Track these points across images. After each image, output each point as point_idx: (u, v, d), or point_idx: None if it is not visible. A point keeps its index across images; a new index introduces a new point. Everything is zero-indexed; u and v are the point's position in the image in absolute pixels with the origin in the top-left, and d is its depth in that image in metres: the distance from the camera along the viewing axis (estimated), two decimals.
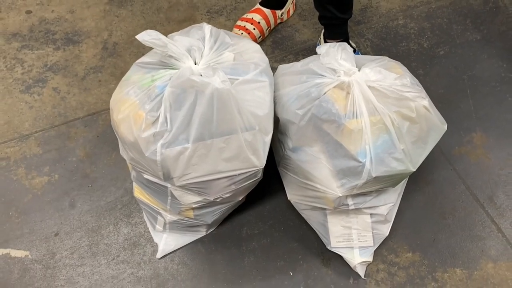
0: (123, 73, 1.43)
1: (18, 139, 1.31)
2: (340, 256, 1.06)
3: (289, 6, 1.54)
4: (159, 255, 1.09)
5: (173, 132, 0.82)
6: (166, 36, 0.92)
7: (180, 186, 0.91)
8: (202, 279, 1.07)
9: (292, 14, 1.58)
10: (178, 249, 1.11)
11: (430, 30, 1.53)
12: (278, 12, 1.51)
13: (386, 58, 0.96)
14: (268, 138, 0.89)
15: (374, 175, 0.85)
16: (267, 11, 1.49)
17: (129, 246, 1.12)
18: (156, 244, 1.11)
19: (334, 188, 0.90)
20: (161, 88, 0.84)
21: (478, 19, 1.56)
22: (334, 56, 0.88)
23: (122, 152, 0.97)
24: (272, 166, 1.10)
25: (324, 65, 0.90)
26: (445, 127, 0.93)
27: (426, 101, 0.88)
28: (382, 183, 0.90)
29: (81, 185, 1.22)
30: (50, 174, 1.24)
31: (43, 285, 1.07)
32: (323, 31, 1.40)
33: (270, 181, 1.17)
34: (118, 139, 0.95)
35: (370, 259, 1.05)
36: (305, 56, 1.47)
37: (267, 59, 0.93)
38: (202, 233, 1.11)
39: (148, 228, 1.13)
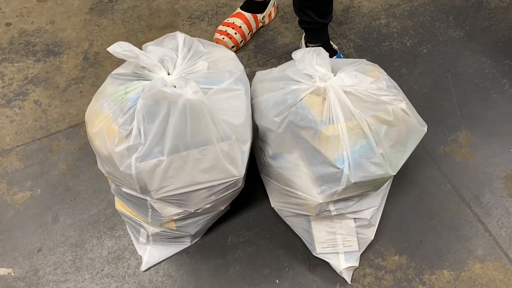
0: None
1: None
2: (327, 262, 1.05)
3: (270, 9, 1.53)
4: (143, 267, 1.08)
5: (147, 145, 0.81)
6: (141, 46, 0.91)
7: (158, 199, 0.90)
8: None
9: (274, 17, 1.57)
10: (163, 260, 1.09)
11: (412, 29, 1.52)
12: (260, 16, 1.50)
13: (364, 61, 0.95)
14: (246, 147, 0.87)
15: (353, 181, 0.84)
16: (248, 15, 1.48)
17: (113, 260, 1.10)
18: (140, 256, 1.09)
19: (314, 195, 0.89)
20: (133, 100, 0.83)
21: (461, 15, 1.55)
22: (310, 61, 0.87)
23: (100, 165, 0.95)
24: (256, 173, 1.09)
25: (300, 71, 0.89)
26: (425, 129, 0.92)
27: (403, 104, 0.87)
28: (363, 188, 0.89)
29: (63, 199, 1.20)
30: (32, 188, 1.22)
31: None
32: (304, 34, 1.39)
33: (254, 188, 1.15)
34: (95, 152, 0.93)
35: (356, 264, 1.04)
36: (287, 59, 1.46)
37: (242, 66, 0.92)
38: (186, 243, 1.10)
39: (131, 241, 1.12)
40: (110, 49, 0.84)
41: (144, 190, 0.87)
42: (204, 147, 0.83)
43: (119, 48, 0.83)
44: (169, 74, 0.86)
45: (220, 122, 0.82)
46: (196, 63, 0.88)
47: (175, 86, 0.84)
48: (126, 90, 0.86)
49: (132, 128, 0.81)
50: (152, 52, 0.88)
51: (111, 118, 0.83)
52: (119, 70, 0.93)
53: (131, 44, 0.85)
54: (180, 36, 0.91)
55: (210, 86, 0.85)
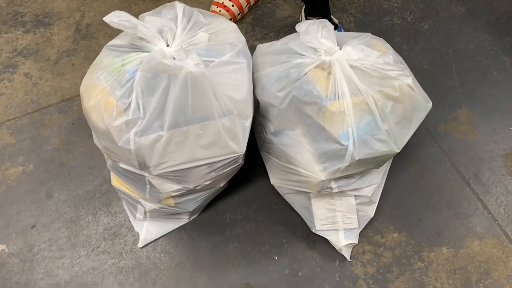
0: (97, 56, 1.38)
1: None
2: (326, 239, 1.04)
3: None
4: (140, 244, 1.06)
5: (146, 119, 0.78)
6: (137, 17, 0.87)
7: (157, 175, 0.87)
8: (185, 267, 1.04)
9: None
10: (160, 237, 1.08)
11: (414, 4, 1.49)
12: None
13: (369, 34, 0.92)
14: (247, 123, 0.85)
15: (357, 158, 0.82)
16: None
17: (110, 236, 1.08)
18: (137, 233, 1.08)
19: (316, 172, 0.88)
20: (131, 72, 0.79)
21: None
22: (315, 34, 0.84)
23: (96, 140, 0.92)
24: (255, 149, 1.07)
25: (304, 44, 0.86)
26: (430, 105, 0.90)
27: (410, 79, 0.84)
28: (366, 165, 0.88)
29: (57, 174, 1.17)
30: (24, 164, 1.19)
31: (22, 279, 1.03)
32: (303, 7, 1.35)
33: (253, 165, 1.14)
34: (91, 127, 0.90)
35: (356, 241, 1.04)
36: (286, 33, 1.43)
37: (244, 38, 0.88)
38: (184, 220, 1.09)
39: (128, 217, 1.10)
40: (107, 18, 0.80)
41: (143, 166, 0.84)
42: (205, 122, 0.80)
43: (116, 18, 0.80)
44: (168, 46, 0.83)
45: (222, 97, 0.80)
46: (196, 35, 0.84)
47: (174, 58, 0.80)
48: (123, 62, 0.82)
49: (130, 102, 0.78)
50: (150, 22, 0.85)
51: (108, 91, 0.80)
52: (115, 41, 0.90)
53: (128, 14, 0.81)
54: (179, 6, 0.87)
55: (211, 58, 0.82)
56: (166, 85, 0.77)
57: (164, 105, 0.78)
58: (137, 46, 0.84)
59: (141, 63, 0.79)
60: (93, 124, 0.84)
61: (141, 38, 0.83)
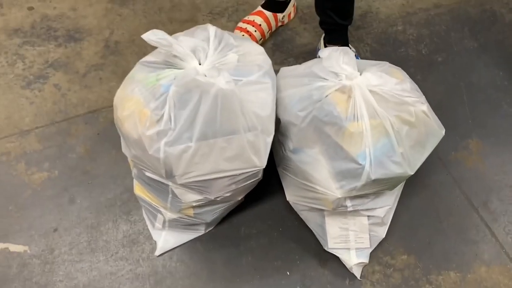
0: (124, 72, 1.45)
1: (18, 134, 1.31)
2: (337, 257, 1.08)
3: (290, 9, 1.56)
4: (157, 252, 1.10)
5: (177, 130, 0.83)
6: (172, 35, 0.94)
7: (181, 184, 0.92)
8: (200, 277, 1.08)
9: (293, 18, 1.60)
10: (177, 247, 1.12)
11: (428, 37, 1.55)
12: (280, 15, 1.53)
13: (387, 63, 0.98)
14: (269, 139, 0.90)
15: (373, 178, 0.87)
16: (268, 13, 1.51)
17: (128, 243, 1.12)
18: (155, 241, 1.12)
19: (333, 189, 0.92)
20: (166, 87, 0.85)
21: (476, 27, 1.58)
22: (337, 60, 0.90)
23: (124, 149, 0.98)
24: (271, 167, 1.11)
25: (326, 69, 0.92)
26: (443, 132, 0.95)
27: (425, 106, 0.89)
28: (381, 186, 0.92)
29: (81, 181, 1.22)
30: (50, 170, 1.24)
31: (42, 280, 1.07)
32: (323, 35, 1.42)
33: (269, 182, 1.17)
34: (121, 136, 0.96)
35: (366, 260, 1.07)
36: (305, 59, 1.48)
37: (270, 61, 0.94)
38: (200, 231, 1.12)
39: (147, 225, 1.14)
40: (145, 36, 0.86)
41: (169, 174, 0.89)
42: (231, 136, 0.85)
43: (153, 36, 0.86)
44: (200, 64, 0.89)
45: (248, 113, 0.85)
46: (227, 55, 0.90)
47: (205, 76, 0.86)
48: (157, 77, 0.88)
49: (163, 114, 0.84)
50: (184, 42, 0.91)
51: (143, 103, 0.85)
52: (148, 58, 0.96)
53: (165, 33, 0.87)
54: (211, 28, 0.93)
55: (239, 77, 0.88)
56: (198, 100, 0.83)
57: (194, 118, 0.84)
58: (171, 63, 0.90)
59: (175, 78, 0.85)
60: (125, 133, 0.90)
61: (175, 56, 0.89)
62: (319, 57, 1.36)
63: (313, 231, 1.09)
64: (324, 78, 0.91)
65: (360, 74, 0.91)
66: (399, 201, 1.11)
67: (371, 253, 1.09)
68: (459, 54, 1.51)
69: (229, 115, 0.83)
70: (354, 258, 1.05)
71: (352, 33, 1.55)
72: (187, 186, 0.93)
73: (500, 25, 1.59)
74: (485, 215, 1.17)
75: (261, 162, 0.90)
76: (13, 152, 1.27)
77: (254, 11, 1.53)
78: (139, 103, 0.86)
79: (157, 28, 1.55)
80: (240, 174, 0.91)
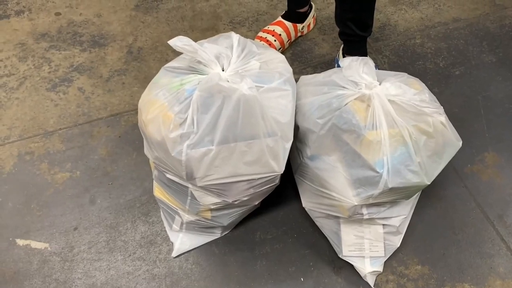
0: (146, 77, 1.49)
1: (42, 135, 1.35)
2: (351, 265, 1.09)
3: (310, 20, 1.59)
4: (174, 254, 1.12)
5: (199, 134, 0.86)
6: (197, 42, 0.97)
7: (201, 187, 0.94)
8: (215, 279, 1.10)
9: (312, 28, 1.63)
10: (193, 249, 1.14)
11: (446, 50, 1.56)
12: (299, 26, 1.56)
13: (405, 74, 1.00)
14: (288, 145, 0.92)
15: (390, 186, 0.88)
16: (288, 24, 1.54)
17: (146, 244, 1.15)
18: (172, 243, 1.14)
19: (350, 196, 0.93)
20: (190, 91, 0.88)
21: (494, 42, 1.59)
22: (357, 69, 0.92)
23: (147, 151, 1.00)
24: (288, 173, 1.13)
25: (346, 78, 0.94)
26: (460, 143, 0.96)
27: (443, 117, 0.91)
28: (397, 195, 0.93)
29: (101, 182, 1.25)
30: (72, 170, 1.28)
31: (61, 277, 1.10)
32: (342, 46, 1.44)
33: (285, 188, 1.19)
34: (144, 138, 0.98)
35: (381, 269, 1.08)
36: (323, 69, 1.52)
37: (291, 69, 0.97)
38: (217, 235, 1.14)
39: (164, 227, 1.17)
40: (171, 42, 0.89)
41: (190, 176, 0.92)
42: (251, 140, 0.88)
43: (179, 42, 0.89)
44: (223, 70, 0.92)
45: (269, 119, 0.87)
46: (249, 62, 0.93)
47: (228, 81, 0.89)
48: (182, 82, 0.91)
49: (186, 117, 0.86)
50: (208, 48, 0.94)
51: (167, 107, 0.88)
52: (172, 63, 0.99)
53: (190, 39, 0.90)
54: (235, 36, 0.96)
55: (261, 84, 0.90)
56: (220, 105, 0.85)
57: (216, 122, 0.86)
58: (195, 68, 0.93)
59: (199, 83, 0.88)
60: (148, 136, 0.93)
61: (199, 62, 0.92)
62: (337, 66, 1.39)
63: (328, 238, 1.11)
64: (344, 87, 0.93)
65: (380, 84, 0.92)
66: (414, 212, 1.12)
67: (385, 262, 1.09)
68: (477, 68, 1.51)
69: (250, 120, 0.86)
70: (368, 267, 1.06)
71: (371, 44, 1.58)
72: (206, 188, 0.95)
73: None
74: (500, 228, 1.17)
75: (280, 167, 0.92)
76: (36, 152, 1.31)
77: (275, 21, 1.56)
78: (163, 107, 0.89)
79: (179, 35, 1.61)
80: (258, 179, 0.93)
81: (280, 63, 0.96)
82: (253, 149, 0.88)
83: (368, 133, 0.87)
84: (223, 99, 0.86)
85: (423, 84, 0.98)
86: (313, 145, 0.97)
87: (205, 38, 1.50)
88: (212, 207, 1.01)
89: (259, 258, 1.13)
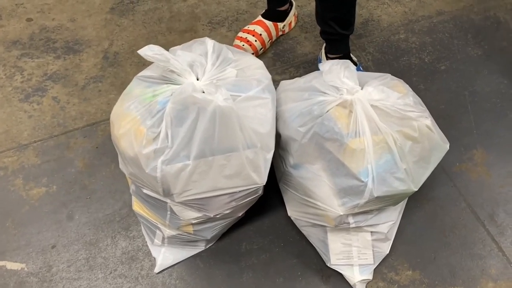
0: (123, 83, 1.43)
1: (16, 148, 1.30)
2: (340, 274, 1.05)
3: (291, 18, 1.54)
4: (157, 269, 1.08)
5: (174, 148, 0.82)
6: (168, 48, 0.92)
7: (180, 202, 0.90)
8: None
9: (294, 27, 1.58)
10: (176, 263, 1.09)
11: (431, 45, 1.53)
12: (280, 24, 1.51)
13: (389, 75, 0.96)
14: (269, 155, 0.88)
15: (376, 195, 0.84)
16: (268, 23, 1.49)
17: (127, 260, 1.10)
18: (154, 258, 1.10)
19: (335, 206, 0.90)
20: (162, 103, 0.83)
21: (479, 34, 1.56)
22: (337, 74, 0.88)
23: (122, 166, 0.96)
24: (272, 180, 1.09)
25: (327, 83, 0.90)
26: (447, 146, 0.93)
27: (428, 121, 0.87)
28: (384, 202, 0.90)
29: (79, 196, 1.20)
30: (48, 185, 1.23)
31: None
32: (324, 45, 1.40)
33: (270, 196, 1.16)
34: (118, 153, 0.94)
35: (370, 277, 1.05)
36: (306, 68, 1.47)
37: (269, 75, 0.93)
38: (200, 247, 1.10)
39: (146, 242, 1.12)
40: (141, 51, 0.85)
41: (167, 193, 0.87)
42: (229, 153, 0.84)
43: (149, 51, 0.84)
44: (198, 79, 0.87)
45: (247, 130, 0.83)
46: (225, 70, 0.89)
47: (203, 92, 0.85)
48: (154, 93, 0.87)
49: (160, 131, 0.82)
50: (181, 56, 0.89)
51: (139, 120, 0.84)
52: (145, 72, 0.94)
53: (161, 48, 0.85)
54: (209, 42, 0.92)
55: (238, 93, 0.86)
56: (195, 117, 0.81)
57: (191, 136, 0.82)
58: (168, 78, 0.88)
59: (172, 95, 0.83)
60: (121, 151, 0.88)
61: (172, 71, 0.87)
62: (320, 64, 1.35)
63: (315, 246, 1.07)
64: (325, 93, 0.89)
65: (362, 88, 0.88)
66: (403, 215, 1.09)
67: (375, 269, 1.06)
68: (463, 62, 1.48)
69: (227, 133, 0.81)
70: (358, 275, 1.03)
71: (354, 41, 1.54)
72: (185, 204, 0.91)
73: (504, 31, 1.57)
74: (491, 228, 1.14)
75: (261, 179, 0.88)
76: (10, 167, 1.26)
77: (254, 20, 1.52)
78: (135, 121, 0.84)
79: (156, 38, 1.56)
80: (239, 192, 0.89)
81: (257, 70, 0.92)
82: (232, 162, 0.84)
83: (351, 141, 0.83)
84: (198, 111, 0.81)
85: (407, 86, 0.94)
86: (295, 154, 0.93)
87: (183, 40, 1.46)
88: (193, 221, 0.97)
89: (245, 270, 1.09)
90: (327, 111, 0.87)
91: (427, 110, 0.90)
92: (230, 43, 1.51)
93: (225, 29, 1.58)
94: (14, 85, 1.44)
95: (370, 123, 0.84)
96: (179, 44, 0.97)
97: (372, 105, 0.85)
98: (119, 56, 1.51)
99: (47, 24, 1.60)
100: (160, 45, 0.86)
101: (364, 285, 1.05)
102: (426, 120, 0.87)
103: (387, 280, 1.07)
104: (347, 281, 1.05)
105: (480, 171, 1.24)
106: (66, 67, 1.49)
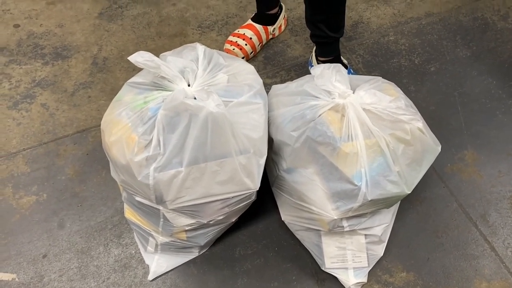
0: (113, 89, 1.42)
1: (5, 157, 1.28)
2: (335, 277, 1.05)
3: (280, 21, 1.54)
4: (150, 277, 1.07)
5: (166, 155, 0.81)
6: (158, 53, 0.92)
7: (173, 209, 0.89)
8: None
9: (284, 30, 1.58)
10: (170, 270, 1.08)
11: (420, 47, 1.54)
12: (270, 28, 1.51)
13: (380, 78, 0.96)
14: (262, 161, 0.88)
15: (370, 198, 0.84)
16: (258, 26, 1.49)
17: (120, 268, 1.09)
18: (148, 265, 1.09)
19: (329, 210, 0.90)
20: (154, 110, 0.83)
21: (468, 35, 1.57)
22: (329, 78, 0.88)
23: (113, 174, 0.95)
24: (265, 185, 1.09)
25: (319, 87, 0.90)
26: (439, 148, 0.93)
27: (420, 123, 0.87)
28: (378, 205, 0.90)
29: (70, 204, 1.19)
30: (38, 193, 1.21)
31: None
32: (314, 48, 1.40)
33: (263, 200, 1.15)
34: (110, 161, 0.93)
35: (365, 280, 1.05)
36: (296, 72, 1.47)
37: (261, 80, 0.92)
38: (194, 254, 1.10)
39: (139, 249, 1.11)
40: (131, 58, 0.84)
41: (160, 200, 0.86)
42: (222, 159, 0.83)
43: (140, 58, 0.83)
44: (189, 86, 0.87)
45: (239, 136, 0.83)
46: (216, 76, 0.88)
47: (195, 98, 0.84)
48: (145, 99, 0.86)
49: (152, 138, 0.81)
50: (172, 62, 0.88)
51: (130, 128, 0.83)
52: (136, 78, 0.93)
53: (152, 54, 0.85)
54: (200, 48, 0.91)
55: (229, 99, 0.85)
56: (187, 124, 0.80)
57: (184, 143, 0.81)
58: (159, 84, 0.87)
59: (163, 101, 0.83)
60: (113, 159, 0.87)
61: (163, 77, 0.86)
62: (310, 67, 1.35)
63: (310, 250, 1.07)
64: (317, 97, 0.89)
65: (353, 92, 0.88)
66: (396, 217, 1.09)
67: (369, 271, 1.06)
68: (452, 63, 1.49)
69: (220, 139, 0.81)
70: (352, 278, 1.03)
71: (344, 44, 1.54)
72: (178, 210, 0.90)
73: (492, 32, 1.59)
74: (483, 228, 1.15)
75: (255, 184, 0.88)
76: None
77: (244, 24, 1.51)
78: (126, 128, 0.83)
79: (146, 43, 1.55)
80: (233, 197, 0.89)
81: (249, 75, 0.91)
82: (225, 168, 0.84)
83: (344, 145, 0.83)
84: (190, 118, 0.81)
85: (399, 89, 0.94)
86: (288, 158, 0.92)
87: (173, 45, 1.45)
88: (187, 228, 0.96)
89: (239, 276, 1.08)
90: (320, 115, 0.87)
91: (419, 113, 0.91)
92: (220, 47, 1.51)
93: (215, 33, 1.58)
94: (1, 92, 1.42)
95: (362, 127, 0.84)
96: (169, 49, 0.96)
97: (364, 109, 0.85)
98: (108, 62, 1.50)
99: (34, 30, 1.59)
100: (149, 50, 0.86)
101: None
102: (418, 123, 0.87)
103: (382, 282, 1.07)
104: (342, 285, 1.05)
105: (471, 171, 1.25)
106: (54, 73, 1.47)
